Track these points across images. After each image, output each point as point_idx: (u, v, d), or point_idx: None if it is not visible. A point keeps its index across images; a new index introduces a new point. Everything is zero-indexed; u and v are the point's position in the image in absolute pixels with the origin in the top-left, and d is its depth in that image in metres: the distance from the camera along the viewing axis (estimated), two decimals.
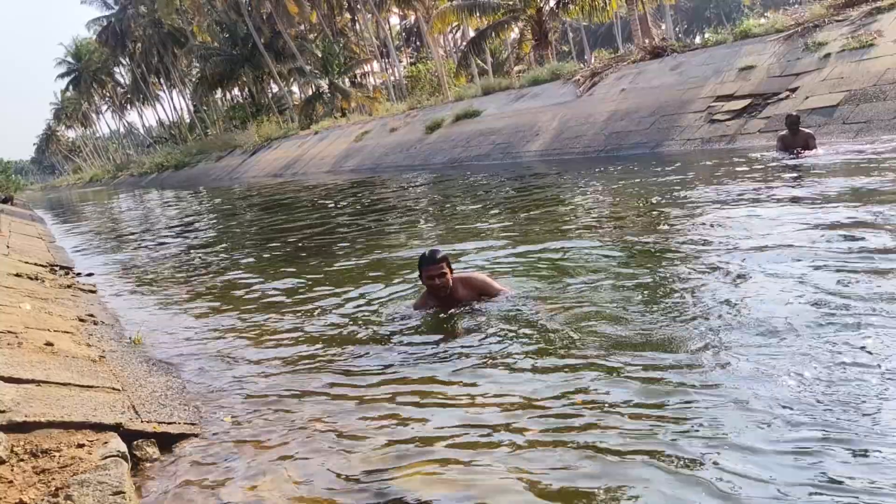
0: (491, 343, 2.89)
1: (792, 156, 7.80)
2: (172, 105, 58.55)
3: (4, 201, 12.18)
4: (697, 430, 1.93)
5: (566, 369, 2.51)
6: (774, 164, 7.64)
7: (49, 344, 3.08)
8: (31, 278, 5.40)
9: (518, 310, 3.20)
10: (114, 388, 2.63)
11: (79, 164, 74.59)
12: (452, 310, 3.31)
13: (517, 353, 2.73)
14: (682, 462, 1.79)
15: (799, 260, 3.47)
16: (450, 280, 3.30)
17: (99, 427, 2.15)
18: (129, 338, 3.83)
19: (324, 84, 33.81)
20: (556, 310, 3.15)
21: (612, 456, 1.85)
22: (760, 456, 1.76)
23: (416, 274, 3.44)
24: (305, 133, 28.87)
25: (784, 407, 2.01)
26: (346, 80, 35.04)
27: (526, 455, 1.94)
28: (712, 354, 2.43)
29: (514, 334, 2.94)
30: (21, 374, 2.52)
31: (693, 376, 2.30)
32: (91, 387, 2.58)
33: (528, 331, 2.95)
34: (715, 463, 1.75)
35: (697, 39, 22.61)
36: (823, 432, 1.81)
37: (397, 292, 4.08)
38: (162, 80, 53.25)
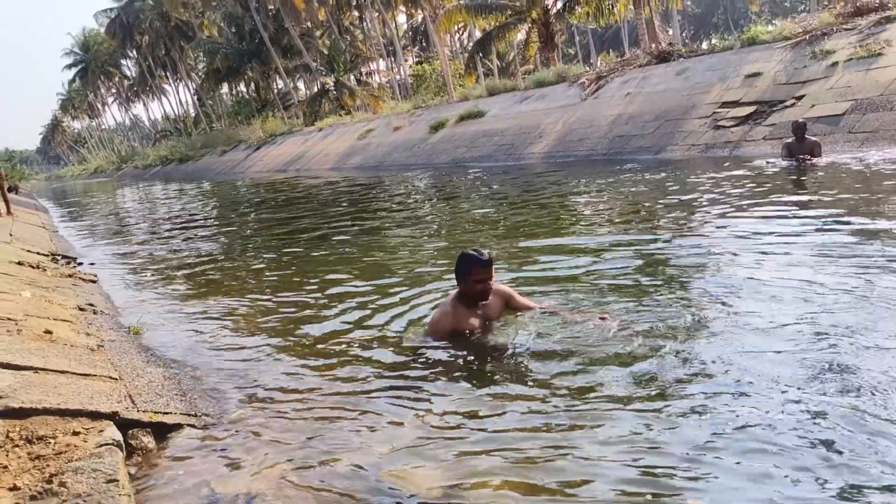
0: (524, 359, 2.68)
1: (797, 164, 7.79)
2: (178, 99, 58.69)
3: (10, 190, 12.21)
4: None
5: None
6: (779, 171, 7.63)
7: (48, 332, 3.09)
8: (32, 267, 5.41)
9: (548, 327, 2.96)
10: (111, 377, 2.63)
11: (84, 155, 74.76)
12: (485, 328, 2.99)
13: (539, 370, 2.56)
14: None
15: (803, 270, 3.44)
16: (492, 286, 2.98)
17: (95, 415, 2.15)
18: (128, 328, 3.83)
19: (329, 81, 33.84)
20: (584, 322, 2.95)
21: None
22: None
23: (446, 277, 3.16)
24: (309, 130, 28.91)
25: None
26: (352, 77, 35.07)
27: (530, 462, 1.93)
28: (732, 374, 2.32)
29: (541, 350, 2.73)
30: (19, 360, 2.52)
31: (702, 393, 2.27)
32: (88, 375, 2.58)
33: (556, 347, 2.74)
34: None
35: (704, 45, 22.54)
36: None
37: (404, 290, 4.05)
38: (168, 74, 53.36)
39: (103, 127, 75.96)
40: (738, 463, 1.78)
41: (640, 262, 4.10)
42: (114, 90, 65.08)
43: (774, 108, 10.51)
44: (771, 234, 4.41)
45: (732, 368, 2.34)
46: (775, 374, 2.26)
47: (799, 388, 2.13)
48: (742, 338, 2.62)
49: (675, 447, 1.90)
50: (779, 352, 2.44)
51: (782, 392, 2.13)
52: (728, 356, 2.44)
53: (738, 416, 2.02)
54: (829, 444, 1.81)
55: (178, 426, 2.31)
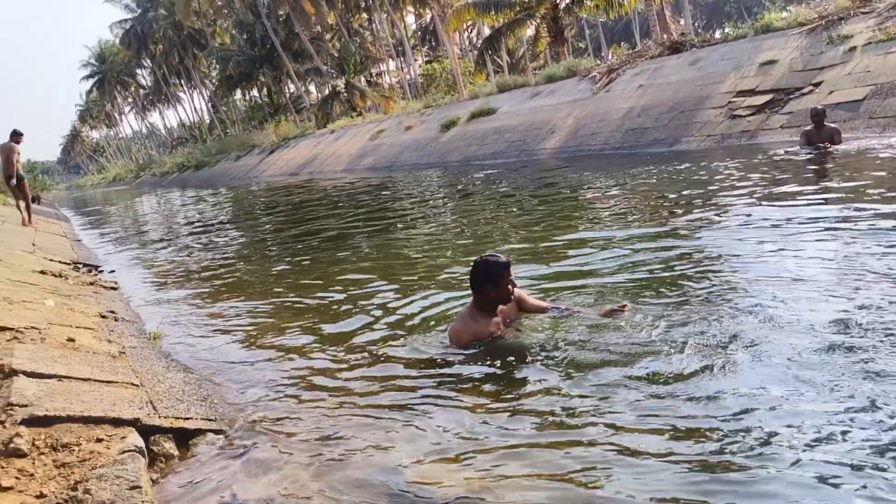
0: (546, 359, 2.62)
1: (816, 151, 7.63)
2: (193, 106, 59.67)
3: (33, 200, 12.53)
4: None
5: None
6: (799, 160, 7.48)
7: (71, 340, 3.14)
8: (54, 275, 5.51)
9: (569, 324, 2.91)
10: (132, 384, 2.67)
11: (102, 164, 76.07)
12: (507, 332, 2.95)
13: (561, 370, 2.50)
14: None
15: (837, 261, 3.34)
16: None
17: (117, 422, 2.18)
18: (149, 334, 3.88)
19: (340, 83, 34.04)
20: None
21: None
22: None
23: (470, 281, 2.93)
24: (321, 132, 29.09)
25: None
26: (362, 79, 35.22)
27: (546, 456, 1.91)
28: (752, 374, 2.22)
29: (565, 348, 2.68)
30: (43, 369, 2.56)
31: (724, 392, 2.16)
32: (110, 382, 2.62)
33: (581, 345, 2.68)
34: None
35: (717, 34, 22.21)
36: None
37: (426, 292, 3.98)
38: (182, 82, 54.12)
39: (121, 136, 77.35)
40: (797, 473, 1.66)
41: (668, 255, 4.00)
42: (130, 99, 66.18)
43: (791, 96, 10.32)
44: (800, 224, 4.29)
45: (782, 369, 2.19)
46: (828, 374, 2.12)
47: (855, 388, 2.01)
48: (788, 335, 2.45)
49: (723, 457, 1.76)
50: (829, 348, 2.30)
51: (838, 392, 2.00)
52: (775, 357, 2.29)
53: (793, 421, 1.88)
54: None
55: (200, 431, 2.33)
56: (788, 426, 1.87)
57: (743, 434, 1.87)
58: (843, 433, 1.79)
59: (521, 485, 1.77)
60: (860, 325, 2.46)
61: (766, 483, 1.63)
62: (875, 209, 4.34)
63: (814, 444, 1.77)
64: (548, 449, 1.95)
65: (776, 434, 1.84)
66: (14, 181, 10.23)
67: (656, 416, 2.05)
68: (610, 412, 2.11)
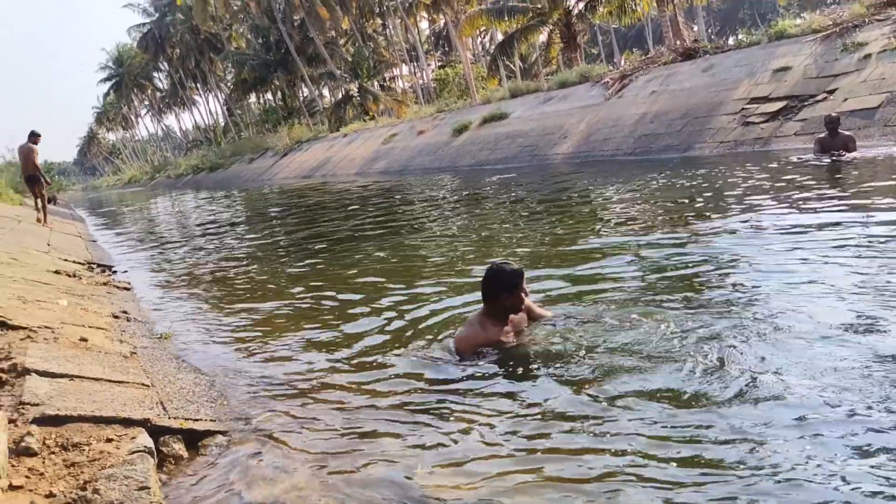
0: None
1: (831, 159, 7.55)
2: (208, 109, 60.39)
3: (49, 201, 12.83)
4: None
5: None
6: (813, 167, 7.40)
7: (83, 339, 3.18)
8: (68, 275, 5.59)
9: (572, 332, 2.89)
10: (143, 384, 2.69)
11: (118, 166, 77.07)
12: (518, 340, 2.92)
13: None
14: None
15: (842, 271, 3.30)
16: None
17: (127, 422, 2.20)
18: (160, 334, 3.91)
19: (353, 88, 34.26)
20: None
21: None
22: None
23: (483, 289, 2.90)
24: (334, 135, 29.27)
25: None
26: (376, 83, 35.43)
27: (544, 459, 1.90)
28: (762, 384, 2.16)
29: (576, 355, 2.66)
30: (55, 368, 2.60)
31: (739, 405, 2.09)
32: (121, 382, 2.65)
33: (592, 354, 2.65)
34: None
35: (731, 41, 22.08)
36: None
37: (439, 298, 3.96)
38: (198, 85, 54.80)
39: (137, 138, 78.30)
40: (837, 495, 1.59)
41: (689, 260, 3.95)
42: (147, 102, 67.07)
43: (805, 103, 10.22)
44: (818, 232, 4.24)
45: (820, 382, 2.11)
46: (870, 388, 2.04)
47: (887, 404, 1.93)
48: (824, 347, 2.37)
49: (753, 475, 1.69)
50: (866, 362, 2.20)
51: (884, 408, 1.92)
52: (815, 370, 2.21)
53: (834, 440, 1.80)
54: None
55: (209, 433, 2.34)
56: (828, 444, 1.79)
57: (776, 451, 1.78)
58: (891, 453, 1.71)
59: (536, 494, 1.76)
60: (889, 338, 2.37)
61: None
62: (887, 219, 4.27)
63: (861, 464, 1.69)
64: (564, 457, 1.93)
65: (812, 453, 1.75)
66: (47, 179, 10.64)
67: (676, 427, 1.99)
68: (630, 422, 2.05)
